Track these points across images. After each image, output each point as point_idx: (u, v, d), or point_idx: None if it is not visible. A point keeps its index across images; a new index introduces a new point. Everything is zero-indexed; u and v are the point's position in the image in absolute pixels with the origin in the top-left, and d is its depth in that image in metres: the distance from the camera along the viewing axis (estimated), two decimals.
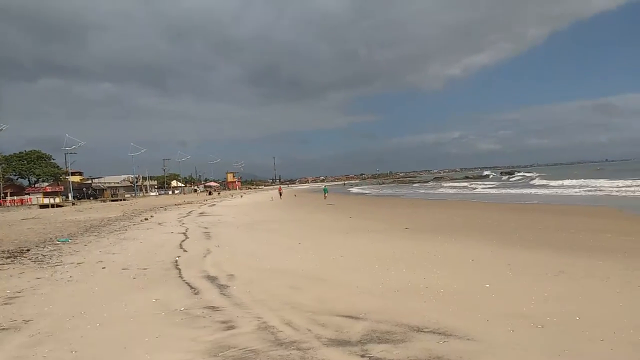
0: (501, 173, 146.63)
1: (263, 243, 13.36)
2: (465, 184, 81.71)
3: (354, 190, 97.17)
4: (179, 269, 9.24)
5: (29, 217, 29.08)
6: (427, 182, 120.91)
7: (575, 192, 36.85)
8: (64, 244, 13.85)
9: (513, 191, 45.92)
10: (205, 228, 18.49)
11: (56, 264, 10.33)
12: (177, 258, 10.63)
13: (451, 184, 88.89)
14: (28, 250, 12.48)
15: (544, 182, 58.24)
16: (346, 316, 5.60)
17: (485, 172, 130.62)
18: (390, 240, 13.16)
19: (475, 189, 58.06)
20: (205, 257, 10.83)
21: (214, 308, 6.16)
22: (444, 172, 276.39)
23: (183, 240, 14.26)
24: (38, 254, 11.86)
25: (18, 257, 11.28)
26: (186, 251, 11.91)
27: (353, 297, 6.55)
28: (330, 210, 31.00)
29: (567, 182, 49.08)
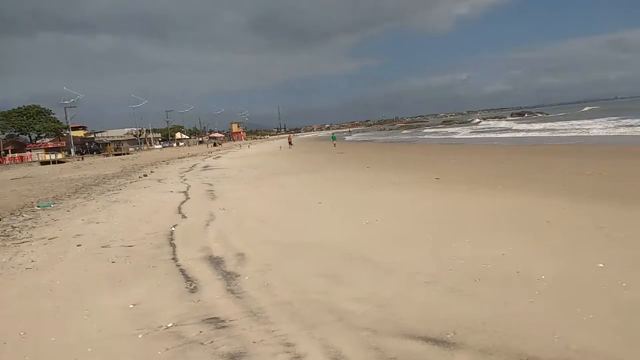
0: (512, 114, 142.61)
1: (276, 203, 11.27)
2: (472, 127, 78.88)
3: (359, 137, 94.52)
4: (174, 246, 7.18)
5: (19, 176, 27.18)
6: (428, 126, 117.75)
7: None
8: (43, 209, 11.87)
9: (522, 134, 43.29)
10: (209, 185, 16.42)
11: (24, 239, 8.33)
12: (172, 228, 8.56)
13: (463, 127, 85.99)
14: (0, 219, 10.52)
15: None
16: (429, 340, 3.50)
17: (477, 119, 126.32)
18: (426, 195, 11.04)
19: (486, 130, 55.43)
20: (207, 225, 8.76)
21: (217, 322, 4.09)
22: (450, 115, 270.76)
23: (183, 202, 12.20)
24: (8, 225, 9.87)
25: None
26: (185, 217, 9.85)
27: (421, 293, 4.46)
28: (343, 159, 28.79)
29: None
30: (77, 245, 7.54)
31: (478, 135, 49.92)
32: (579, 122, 50.44)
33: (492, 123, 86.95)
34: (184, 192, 14.60)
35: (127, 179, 20.83)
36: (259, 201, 11.76)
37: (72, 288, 5.34)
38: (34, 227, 9.55)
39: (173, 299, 4.75)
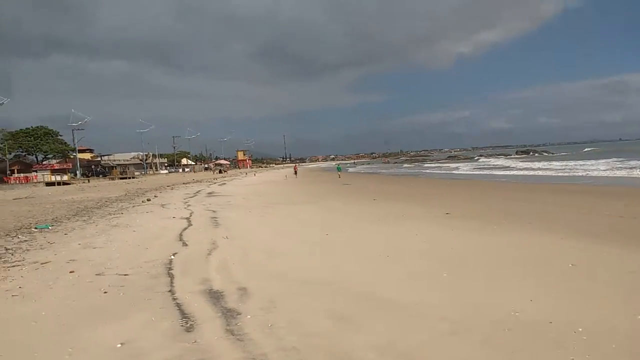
0: (516, 152, 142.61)
1: (282, 233, 10.81)
2: (482, 163, 78.60)
3: (362, 169, 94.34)
4: (172, 276, 6.70)
5: (22, 196, 26.87)
6: (439, 160, 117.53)
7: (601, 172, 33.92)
8: (41, 231, 11.45)
9: (537, 173, 42.85)
10: (213, 212, 16.00)
11: (15, 262, 7.87)
12: (172, 256, 8.10)
13: (466, 163, 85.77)
14: None
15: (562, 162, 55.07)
16: None
17: (480, 156, 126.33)
18: (437, 231, 10.56)
19: (496, 167, 55.03)
20: (209, 254, 8.29)
21: None
22: (455, 151, 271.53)
23: (185, 229, 11.76)
24: (1, 246, 9.43)
25: None
26: (186, 244, 9.39)
27: (449, 345, 3.95)
28: (348, 191, 28.40)
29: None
30: (70, 272, 7.08)
31: (482, 172, 49.58)
32: (582, 162, 50.14)
33: (499, 161, 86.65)
34: (186, 218, 14.17)
35: (130, 203, 20.45)
36: (264, 231, 11.30)
37: (58, 320, 4.86)
38: (28, 249, 9.11)
39: (166, 338, 4.26)
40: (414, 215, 14.11)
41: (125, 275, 6.81)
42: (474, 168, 61.55)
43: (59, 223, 13.28)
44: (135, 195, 26.82)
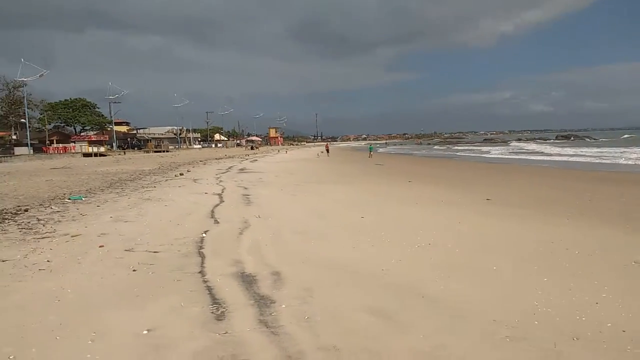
0: (556, 137, 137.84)
1: (315, 214, 10.44)
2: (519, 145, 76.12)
3: (394, 150, 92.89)
4: (203, 256, 6.42)
5: (59, 166, 27.41)
6: (473, 143, 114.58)
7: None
8: (74, 202, 11.43)
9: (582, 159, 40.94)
10: (245, 189, 15.78)
11: (46, 234, 7.76)
12: (203, 234, 7.83)
13: (498, 147, 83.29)
14: (26, 210, 10.09)
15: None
16: None
17: (517, 140, 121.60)
18: (479, 219, 9.99)
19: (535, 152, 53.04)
20: (241, 234, 8.00)
21: None
22: (491, 134, 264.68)
23: (217, 205, 11.53)
24: (34, 216, 9.40)
25: (7, 220, 8.85)
26: (218, 222, 9.13)
27: (507, 354, 3.47)
28: (381, 171, 27.82)
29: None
30: (100, 246, 6.90)
31: (517, 156, 47.80)
32: (626, 150, 47.56)
33: (531, 145, 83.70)
34: (218, 194, 13.98)
35: (163, 177, 20.49)
36: (297, 211, 10.95)
37: (83, 300, 4.62)
38: (59, 221, 9.03)
39: (196, 327, 3.94)
40: (453, 200, 13.51)
41: (155, 252, 6.57)
42: (509, 152, 59.59)
43: (92, 194, 13.28)
44: (169, 168, 26.97)
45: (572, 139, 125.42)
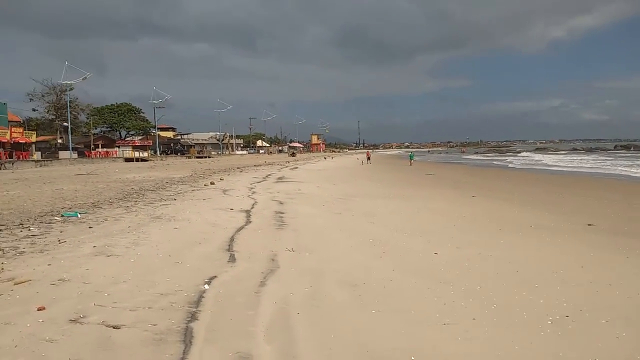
0: (615, 147, 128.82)
1: (369, 245, 7.64)
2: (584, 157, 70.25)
3: (439, 158, 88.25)
4: (190, 338, 3.75)
5: (84, 172, 25.80)
6: (521, 152, 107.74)
7: None
8: (64, 221, 9.12)
9: None
10: (280, 203, 13.16)
11: None
12: (205, 286, 5.17)
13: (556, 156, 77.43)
14: None
15: None
16: None
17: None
18: (605, 258, 6.98)
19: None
20: (263, 284, 5.30)
21: None
22: (540, 143, 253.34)
23: (241, 228, 8.93)
24: (1, 240, 7.07)
25: None
26: (234, 260, 6.47)
27: None
28: (434, 183, 24.63)
29: None
30: (38, 309, 4.35)
31: (588, 169, 42.99)
32: None
33: (602, 157, 77.46)
34: (246, 210, 11.41)
35: (191, 186, 18.20)
36: (344, 239, 8.18)
37: None
38: (23, 251, 6.63)
39: None
40: (544, 224, 10.40)
41: (115, 328, 3.95)
42: (571, 161, 54.46)
43: (96, 209, 10.99)
44: (201, 176, 24.82)
45: (632, 149, 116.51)
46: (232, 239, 7.84)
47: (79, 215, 9.70)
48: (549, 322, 4.39)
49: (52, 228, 8.37)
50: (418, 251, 7.34)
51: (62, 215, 9.67)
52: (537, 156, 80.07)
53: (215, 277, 5.54)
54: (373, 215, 11.31)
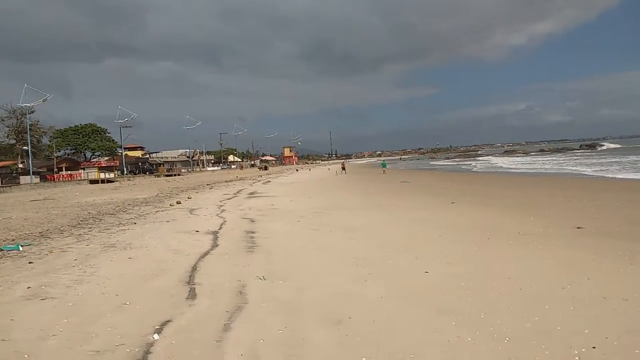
0: (580, 146, 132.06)
1: (353, 265, 6.78)
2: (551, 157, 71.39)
3: (404, 165, 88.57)
4: None
5: (40, 198, 24.20)
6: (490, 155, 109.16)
7: None
8: (2, 256, 7.94)
9: None
10: (251, 221, 12.19)
11: None
12: (154, 336, 4.18)
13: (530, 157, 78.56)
14: None
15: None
16: None
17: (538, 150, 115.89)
18: (598, 263, 6.37)
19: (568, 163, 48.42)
20: (227, 328, 4.34)
21: None
22: (507, 145, 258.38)
23: (205, 254, 7.92)
24: None
25: None
26: (195, 296, 5.48)
27: None
28: (411, 190, 24.02)
29: None
30: None
31: (566, 169, 43.33)
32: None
33: (570, 157, 79.05)
34: (214, 232, 10.40)
35: (155, 207, 17.02)
36: (324, 260, 7.30)
37: None
38: None
39: None
40: (531, 230, 9.79)
41: None
42: (529, 163, 54.99)
43: (43, 239, 9.81)
44: (168, 195, 23.57)
45: (597, 148, 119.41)
46: (194, 268, 6.85)
47: (21, 249, 8.53)
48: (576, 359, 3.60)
49: None
50: (406, 270, 6.52)
51: (1, 249, 8.48)
52: (505, 159, 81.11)
53: (169, 321, 4.56)
54: (352, 229, 10.47)
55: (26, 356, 3.80)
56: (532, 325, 4.33)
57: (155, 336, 4.12)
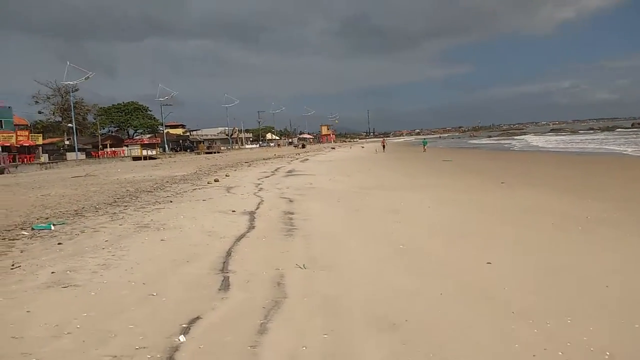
0: (632, 125, 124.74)
1: (399, 256, 6.07)
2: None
3: (451, 143, 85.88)
4: None
5: (81, 174, 24.45)
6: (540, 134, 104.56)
7: None
8: (32, 236, 7.66)
9: None
10: (289, 201, 11.62)
11: None
12: (180, 337, 3.63)
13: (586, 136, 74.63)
14: None
15: None
16: None
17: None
18: None
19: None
20: (263, 330, 3.75)
21: None
22: (553, 124, 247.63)
23: (241, 237, 7.38)
24: None
25: None
26: (228, 287, 4.92)
27: None
28: (453, 169, 22.88)
29: None
30: None
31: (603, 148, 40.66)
32: None
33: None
34: (251, 212, 9.88)
35: (193, 185, 16.72)
36: (368, 247, 6.61)
37: None
38: None
39: None
40: (598, 216, 8.75)
41: None
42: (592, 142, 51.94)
43: (77, 218, 9.54)
44: (206, 173, 23.36)
45: None
46: (228, 254, 6.30)
47: (53, 228, 8.24)
48: None
49: (12, 246, 6.91)
50: (465, 261, 5.75)
51: (34, 228, 8.21)
52: (545, 137, 77.30)
53: (199, 318, 4.00)
54: (397, 211, 9.71)
55: (39, 353, 3.32)
56: None
57: (182, 338, 3.56)
